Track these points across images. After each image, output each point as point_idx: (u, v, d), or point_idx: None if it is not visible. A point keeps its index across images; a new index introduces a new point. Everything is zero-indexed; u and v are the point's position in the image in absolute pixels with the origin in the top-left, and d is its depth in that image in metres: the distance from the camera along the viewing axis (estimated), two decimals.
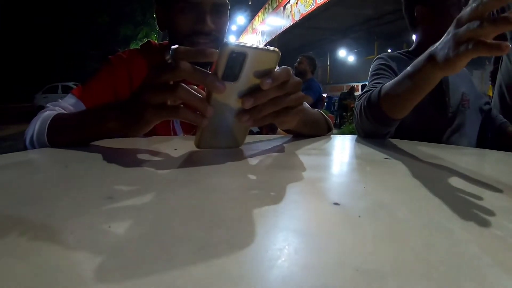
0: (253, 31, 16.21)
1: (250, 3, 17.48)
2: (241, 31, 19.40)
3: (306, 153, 0.62)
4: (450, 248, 0.25)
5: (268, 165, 0.51)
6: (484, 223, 0.30)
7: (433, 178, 0.47)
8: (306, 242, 0.25)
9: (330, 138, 0.83)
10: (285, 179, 0.42)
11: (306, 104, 1.01)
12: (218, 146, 0.59)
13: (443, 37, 0.62)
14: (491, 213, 0.32)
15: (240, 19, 20.44)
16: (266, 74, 0.52)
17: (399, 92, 0.78)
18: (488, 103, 1.46)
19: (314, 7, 9.40)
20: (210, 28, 0.87)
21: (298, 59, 3.67)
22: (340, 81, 20.05)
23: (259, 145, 0.67)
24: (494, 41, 0.52)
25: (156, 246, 0.24)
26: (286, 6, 11.45)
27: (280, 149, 0.63)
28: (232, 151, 0.58)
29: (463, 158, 0.68)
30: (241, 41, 0.54)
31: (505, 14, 0.50)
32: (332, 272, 0.21)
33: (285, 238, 0.25)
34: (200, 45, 0.87)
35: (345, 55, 20.99)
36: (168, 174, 0.43)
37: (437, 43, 0.64)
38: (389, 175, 0.48)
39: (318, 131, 0.87)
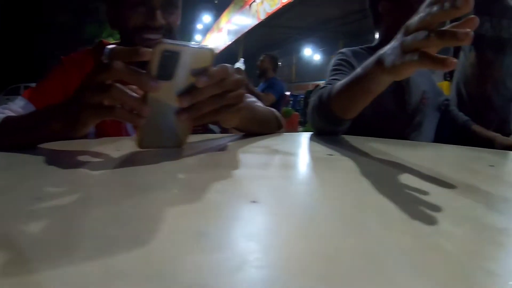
0: (219, 30, 16.14)
1: (216, 1, 17.40)
2: (207, 30, 19.30)
3: (248, 151, 0.63)
4: (362, 247, 0.25)
5: (201, 164, 0.52)
6: (408, 220, 0.30)
7: (372, 173, 0.48)
8: (206, 242, 0.25)
9: (280, 136, 0.84)
10: (212, 177, 0.43)
11: (259, 102, 1.02)
12: (161, 146, 0.59)
13: (392, 42, 0.61)
14: (423, 209, 0.33)
15: (206, 18, 20.35)
16: (202, 72, 0.52)
17: (348, 93, 0.79)
18: (447, 99, 1.50)
19: (279, 6, 9.46)
20: (161, 23, 0.87)
21: (260, 58, 3.69)
22: (306, 80, 20.21)
23: (202, 144, 0.67)
24: (439, 56, 0.52)
25: (60, 244, 0.24)
26: (252, 5, 11.45)
27: (222, 148, 0.64)
28: (173, 150, 0.59)
29: (411, 152, 0.70)
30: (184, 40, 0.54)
31: (454, 29, 0.50)
32: (231, 271, 0.21)
33: (185, 238, 0.25)
34: (150, 40, 0.87)
35: (311, 53, 21.21)
36: (100, 175, 0.44)
37: (386, 47, 0.63)
38: (324, 172, 0.50)
39: (268, 128, 0.88)
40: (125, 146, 0.64)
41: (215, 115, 0.57)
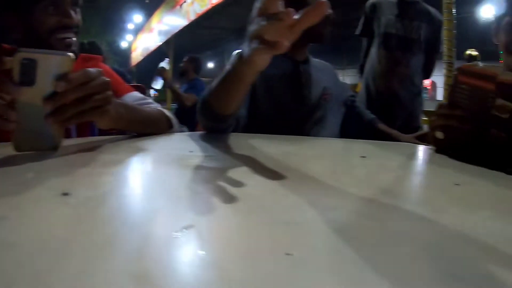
0: (150, 30, 15.82)
1: (147, 1, 17.05)
2: (138, 30, 18.87)
3: (114, 151, 0.65)
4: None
5: (59, 164, 0.54)
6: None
7: (220, 168, 0.53)
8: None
9: (168, 135, 0.88)
10: (55, 176, 0.45)
11: (153, 104, 1.05)
12: (37, 149, 0.61)
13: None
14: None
15: (137, 17, 19.88)
16: (62, 77, 0.55)
17: (221, 89, 0.83)
18: (353, 96, 1.58)
19: (209, 6, 9.43)
20: (75, 21, 0.89)
21: (184, 59, 3.72)
22: None
23: (78, 146, 0.69)
24: (276, 40, 0.54)
25: None
26: (183, 5, 11.34)
27: (91, 148, 0.65)
28: (46, 152, 0.60)
29: (285, 147, 0.76)
30: (36, 49, 0.56)
31: (288, 9, 0.51)
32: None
33: None
34: (65, 40, 0.89)
35: None
36: None
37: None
38: (167, 168, 0.54)
39: (156, 129, 0.91)
40: (3, 150, 0.65)
41: (81, 117, 0.60)
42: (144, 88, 1.77)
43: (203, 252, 0.25)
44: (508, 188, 0.49)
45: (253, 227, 0.31)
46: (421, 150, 0.80)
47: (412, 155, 0.75)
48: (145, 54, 16.91)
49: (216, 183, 0.43)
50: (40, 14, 0.87)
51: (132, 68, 18.21)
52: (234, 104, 0.85)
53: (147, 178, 0.49)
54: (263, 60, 0.62)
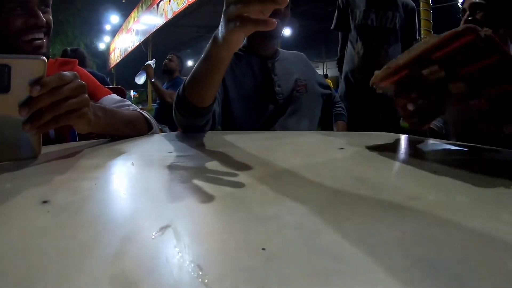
0: (128, 30, 15.68)
1: (123, 1, 16.84)
2: (116, 30, 18.65)
3: (94, 155, 0.65)
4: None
5: (39, 172, 0.54)
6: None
7: (199, 167, 0.54)
8: None
9: (147, 137, 0.88)
10: (35, 185, 0.46)
11: (132, 106, 1.05)
12: (16, 158, 0.60)
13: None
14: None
15: (114, 18, 19.60)
16: (36, 81, 0.55)
17: (197, 78, 0.83)
18: (328, 87, 1.59)
19: (186, 4, 9.40)
20: (43, 21, 0.87)
21: (168, 57, 3.71)
22: None
23: (58, 152, 0.68)
24: (260, 18, 0.57)
25: None
26: (160, 4, 11.27)
27: (71, 154, 0.65)
28: (26, 161, 0.60)
29: (257, 142, 0.76)
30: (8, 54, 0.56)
31: None
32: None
33: None
34: (34, 42, 0.87)
35: None
36: None
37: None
38: (147, 171, 0.54)
39: (135, 131, 0.91)
40: None
41: (58, 121, 0.60)
42: (123, 90, 1.75)
43: (180, 250, 0.26)
44: (485, 175, 0.51)
45: (231, 223, 0.32)
46: (400, 140, 0.81)
47: (390, 145, 0.76)
48: (123, 55, 16.77)
49: (195, 182, 0.44)
50: (6, 16, 0.86)
51: (111, 70, 18.00)
52: (209, 93, 0.86)
53: (127, 181, 0.50)
54: (239, 40, 0.65)
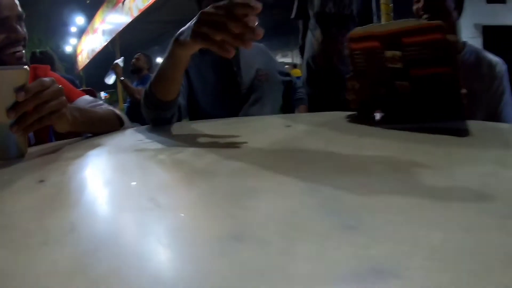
0: (94, 31, 15.45)
1: (88, 1, 16.53)
2: (82, 32, 18.34)
3: (75, 148, 0.75)
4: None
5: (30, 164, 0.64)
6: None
7: (167, 152, 0.64)
8: None
9: (120, 132, 0.98)
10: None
11: (104, 105, 1.14)
12: (4, 157, 0.70)
13: (189, 22, 0.76)
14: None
15: (79, 19, 19.27)
16: (21, 88, 0.65)
17: (161, 74, 0.93)
18: (288, 74, 1.71)
19: (151, 1, 9.36)
20: (22, 35, 0.96)
21: (136, 56, 3.79)
22: None
23: (42, 150, 0.78)
24: (223, 46, 0.68)
25: None
26: (125, 2, 11.16)
27: (54, 150, 0.75)
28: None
29: (217, 128, 0.87)
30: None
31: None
32: None
33: None
34: (15, 54, 0.95)
35: None
36: None
37: (184, 28, 0.79)
38: (122, 156, 0.65)
39: (109, 127, 1.00)
40: None
41: (41, 122, 0.70)
42: (94, 92, 1.83)
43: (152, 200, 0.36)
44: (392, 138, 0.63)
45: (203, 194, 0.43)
46: (341, 116, 0.93)
47: (330, 121, 0.88)
48: (91, 56, 16.54)
49: (160, 158, 0.55)
50: None
51: (79, 72, 17.70)
52: (173, 88, 0.95)
53: (105, 163, 0.60)
54: (198, 48, 0.74)
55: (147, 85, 0.99)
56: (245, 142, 0.65)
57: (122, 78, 3.42)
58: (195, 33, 0.72)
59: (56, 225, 0.32)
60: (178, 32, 0.81)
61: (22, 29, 0.99)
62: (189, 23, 0.76)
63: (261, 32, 0.68)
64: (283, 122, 0.89)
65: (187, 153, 0.59)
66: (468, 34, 10.90)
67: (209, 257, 0.25)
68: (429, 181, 0.37)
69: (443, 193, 0.34)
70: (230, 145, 0.65)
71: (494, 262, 0.22)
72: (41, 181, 0.47)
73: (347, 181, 0.39)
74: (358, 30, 0.80)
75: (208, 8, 0.71)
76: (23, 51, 0.97)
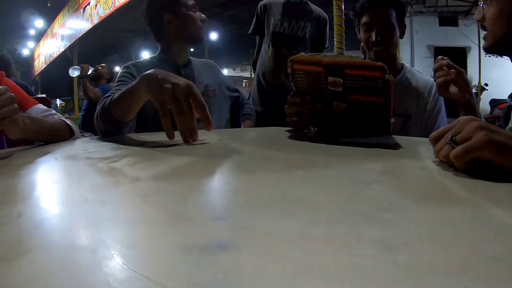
0: (53, 35, 15.14)
1: (49, 5, 16.17)
2: (41, 36, 17.87)
3: (25, 155, 0.83)
4: None
5: None
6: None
7: (114, 160, 0.73)
8: None
9: (69, 142, 1.05)
10: None
11: (56, 115, 1.20)
12: None
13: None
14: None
15: (38, 22, 18.76)
16: None
17: (122, 101, 1.03)
18: (236, 90, 1.81)
19: (112, 9, 9.33)
20: None
21: (101, 64, 4.04)
22: None
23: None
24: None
25: None
26: (86, 9, 11.05)
27: (6, 156, 0.81)
28: None
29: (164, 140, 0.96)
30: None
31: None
32: None
33: None
34: None
35: (148, 56, 21.06)
36: None
37: (151, 71, 0.92)
38: (69, 165, 0.74)
39: (59, 137, 1.06)
40: None
41: None
42: (48, 100, 1.88)
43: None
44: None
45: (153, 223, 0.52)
46: (275, 132, 1.04)
47: (259, 136, 0.99)
48: (48, 61, 16.14)
49: (100, 166, 0.64)
50: None
51: (36, 77, 17.22)
52: (132, 114, 1.06)
53: (52, 168, 0.68)
54: None
55: (106, 102, 1.08)
56: (177, 154, 0.75)
57: (85, 76, 3.59)
58: (158, 104, 0.88)
59: (5, 214, 0.40)
60: (144, 75, 0.92)
61: None
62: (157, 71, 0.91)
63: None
64: (216, 136, 1.00)
65: (122, 162, 0.68)
66: (422, 54, 11.52)
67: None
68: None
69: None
70: (164, 155, 0.75)
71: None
72: None
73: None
74: (300, 55, 0.90)
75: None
76: None
